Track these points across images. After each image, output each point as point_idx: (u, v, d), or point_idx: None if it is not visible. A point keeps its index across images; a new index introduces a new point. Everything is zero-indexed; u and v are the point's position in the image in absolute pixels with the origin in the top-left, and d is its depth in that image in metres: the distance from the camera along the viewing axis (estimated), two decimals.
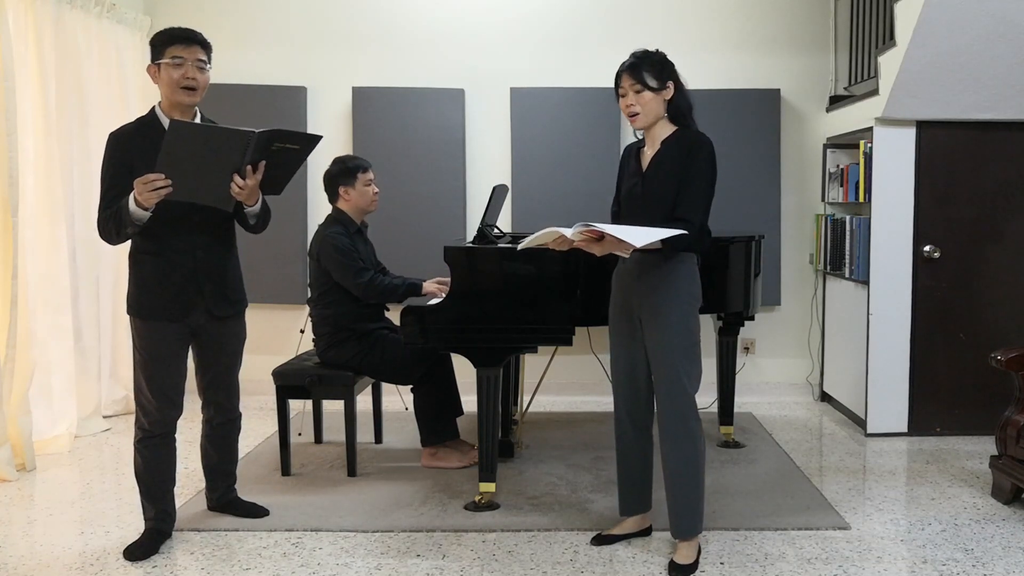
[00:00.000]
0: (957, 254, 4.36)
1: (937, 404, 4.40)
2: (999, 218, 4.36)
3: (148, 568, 2.87)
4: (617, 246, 2.61)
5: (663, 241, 2.65)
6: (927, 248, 4.35)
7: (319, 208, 4.86)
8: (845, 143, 4.93)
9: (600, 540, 3.05)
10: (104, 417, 4.67)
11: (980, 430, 4.28)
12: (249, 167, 2.72)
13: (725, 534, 3.13)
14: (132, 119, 3.00)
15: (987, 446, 4.02)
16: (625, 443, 3.01)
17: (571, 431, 4.52)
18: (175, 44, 2.82)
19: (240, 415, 3.26)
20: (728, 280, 3.84)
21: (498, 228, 4.08)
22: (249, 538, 3.11)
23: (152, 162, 2.68)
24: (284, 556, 2.96)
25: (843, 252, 4.75)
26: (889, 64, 4.11)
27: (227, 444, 3.26)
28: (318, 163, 4.26)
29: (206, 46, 2.89)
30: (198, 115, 2.95)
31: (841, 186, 4.85)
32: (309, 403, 4.15)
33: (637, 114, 2.80)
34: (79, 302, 4.47)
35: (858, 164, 4.59)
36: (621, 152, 3.06)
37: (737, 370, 4.28)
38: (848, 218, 4.69)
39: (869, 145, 4.41)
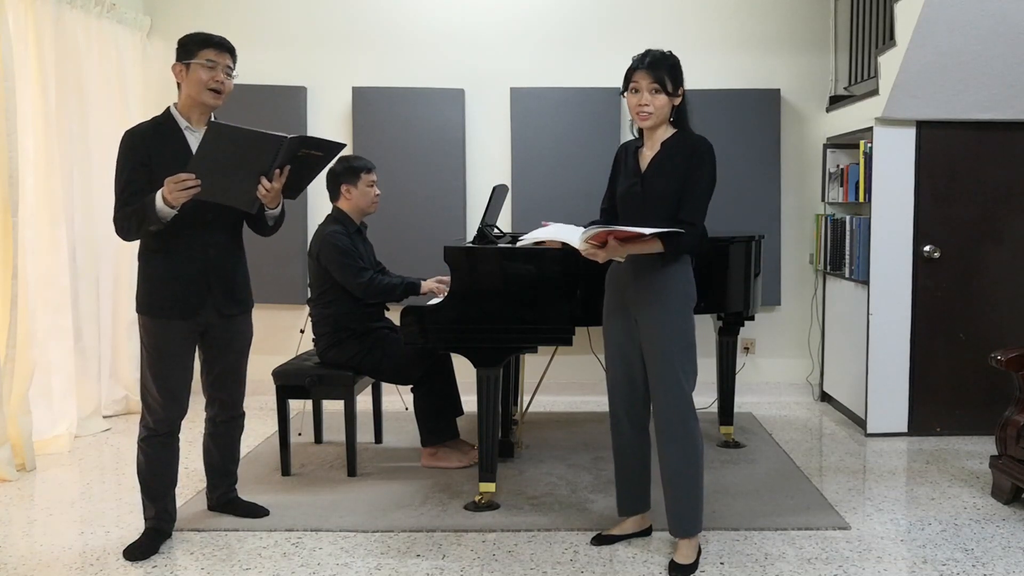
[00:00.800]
0: (957, 254, 4.36)
1: (937, 404, 4.40)
2: (999, 218, 4.36)
3: (148, 568, 2.88)
4: (617, 251, 2.67)
5: (666, 245, 2.69)
6: (927, 248, 4.35)
7: (319, 208, 4.87)
8: (845, 143, 4.93)
9: (600, 540, 3.05)
10: (104, 417, 4.67)
11: (980, 430, 4.28)
12: (276, 171, 2.77)
13: (725, 534, 3.13)
14: (132, 119, 3.02)
15: (987, 446, 4.02)
16: (623, 443, 3.02)
17: (571, 431, 4.52)
18: (210, 48, 2.90)
19: (243, 414, 3.27)
20: (728, 280, 3.84)
21: (498, 228, 4.08)
22: (249, 538, 3.11)
23: (167, 161, 2.77)
24: (284, 556, 2.96)
25: (843, 252, 4.75)
26: (889, 64, 4.11)
27: (229, 442, 3.27)
28: None
29: (234, 56, 2.99)
30: (212, 118, 3.00)
31: (841, 186, 4.85)
32: (309, 403, 4.15)
33: (650, 114, 2.78)
34: (79, 302, 4.47)
35: (858, 164, 4.59)
36: None
37: (737, 370, 4.28)
38: (848, 218, 4.69)
39: (869, 145, 4.41)
